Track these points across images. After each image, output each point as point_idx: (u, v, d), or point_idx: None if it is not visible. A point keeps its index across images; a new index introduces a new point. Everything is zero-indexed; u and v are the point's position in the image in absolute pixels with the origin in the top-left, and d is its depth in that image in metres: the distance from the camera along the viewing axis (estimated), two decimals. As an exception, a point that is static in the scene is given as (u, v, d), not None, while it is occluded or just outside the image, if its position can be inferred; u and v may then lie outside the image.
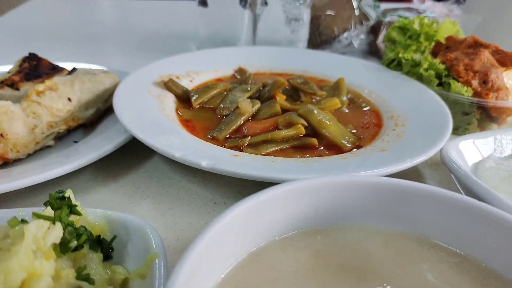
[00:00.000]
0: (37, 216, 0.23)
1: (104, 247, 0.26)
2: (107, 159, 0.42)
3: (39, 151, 0.44)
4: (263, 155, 0.40)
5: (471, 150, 0.40)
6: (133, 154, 0.45)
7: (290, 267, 0.24)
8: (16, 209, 0.27)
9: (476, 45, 0.56)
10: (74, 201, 0.25)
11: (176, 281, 0.18)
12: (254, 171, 0.33)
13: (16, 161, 0.41)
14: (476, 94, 0.51)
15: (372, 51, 0.81)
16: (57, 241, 0.22)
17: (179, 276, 0.19)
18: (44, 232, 0.22)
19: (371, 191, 0.27)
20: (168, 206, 0.38)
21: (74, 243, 0.23)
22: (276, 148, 0.41)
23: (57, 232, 0.22)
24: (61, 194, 0.24)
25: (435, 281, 0.24)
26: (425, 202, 0.26)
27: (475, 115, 0.52)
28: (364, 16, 0.76)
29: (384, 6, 0.98)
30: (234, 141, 0.42)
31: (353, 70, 0.58)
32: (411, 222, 0.27)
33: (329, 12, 0.76)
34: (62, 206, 0.24)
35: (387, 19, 0.77)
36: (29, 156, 0.42)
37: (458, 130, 0.53)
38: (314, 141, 0.42)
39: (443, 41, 0.57)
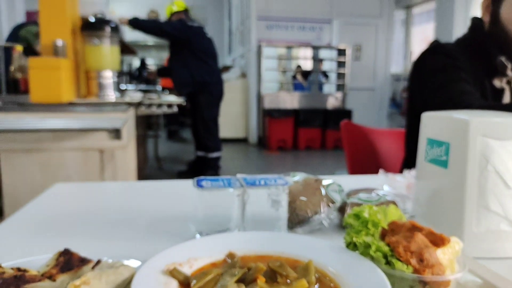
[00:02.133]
0: None
1: None
2: None
3: (69, 335, 0.55)
4: (246, 333, 0.51)
5: (406, 323, 0.52)
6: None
7: None
8: None
9: (413, 229, 0.72)
10: None
11: None
12: None
13: None
14: (415, 270, 0.65)
15: (341, 225, 0.97)
16: None
17: None
18: None
19: None
20: None
21: None
22: (256, 327, 0.53)
23: None
24: None
25: None
26: None
27: (419, 287, 0.65)
28: (330, 200, 0.95)
29: (352, 181, 1.18)
30: (224, 322, 0.54)
31: (321, 251, 0.73)
32: None
33: (302, 198, 0.94)
34: None
35: (350, 200, 0.95)
36: None
37: (408, 301, 0.66)
38: (286, 319, 0.54)
39: (386, 227, 0.73)
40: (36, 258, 0.72)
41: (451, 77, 1.56)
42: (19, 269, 0.63)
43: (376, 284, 0.61)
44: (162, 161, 6.18)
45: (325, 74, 9.10)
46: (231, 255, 0.74)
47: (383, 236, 0.74)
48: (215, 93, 5.57)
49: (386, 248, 0.68)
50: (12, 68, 3.23)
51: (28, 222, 1.03)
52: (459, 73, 1.56)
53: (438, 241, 0.70)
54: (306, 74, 9.03)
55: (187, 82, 5.35)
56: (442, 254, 0.69)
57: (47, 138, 2.70)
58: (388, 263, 0.67)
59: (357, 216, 0.77)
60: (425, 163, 0.95)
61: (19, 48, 3.36)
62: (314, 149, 8.22)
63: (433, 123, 0.94)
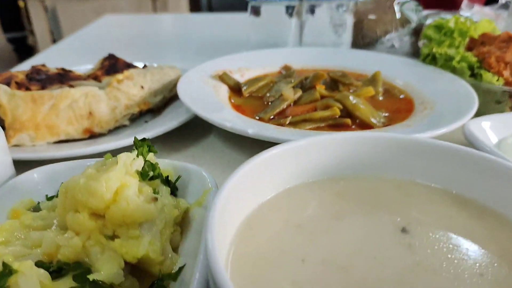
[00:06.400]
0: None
1: (171, 185, 0.34)
2: (173, 137, 0.50)
3: (117, 128, 0.53)
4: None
5: (494, 128, 0.44)
6: (192, 133, 0.53)
7: (315, 201, 0.30)
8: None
9: (509, 40, 0.59)
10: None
11: (218, 203, 0.24)
12: (293, 137, 0.40)
13: (100, 135, 0.51)
14: (507, 83, 0.54)
15: (414, 53, 0.85)
16: (139, 169, 0.30)
17: (220, 198, 0.24)
18: (131, 161, 0.29)
19: (388, 146, 0.32)
20: (220, 172, 0.45)
21: (151, 173, 0.31)
22: (313, 126, 0.47)
23: (139, 162, 0.30)
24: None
25: (437, 212, 0.29)
26: (436, 155, 0.31)
27: (508, 103, 0.55)
28: (405, 19, 0.81)
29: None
30: (277, 120, 0.48)
31: (390, 65, 0.63)
32: (422, 173, 0.32)
33: (371, 17, 0.81)
34: (143, 145, 0.32)
35: (429, 21, 0.81)
36: (110, 131, 0.52)
37: (491, 119, 0.56)
38: (348, 120, 0.47)
39: (476, 37, 0.60)
40: (82, 68, 0.69)
41: None
42: (63, 69, 0.60)
43: (458, 93, 0.52)
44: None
45: None
46: (286, 67, 0.66)
47: (469, 49, 0.61)
48: None
49: (473, 59, 0.57)
50: None
51: (78, 46, 1.01)
52: None
53: (540, 52, 0.57)
54: None
55: None
56: (541, 71, 0.57)
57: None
58: (473, 75, 0.57)
59: (438, 28, 0.64)
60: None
61: None
62: None
63: None
